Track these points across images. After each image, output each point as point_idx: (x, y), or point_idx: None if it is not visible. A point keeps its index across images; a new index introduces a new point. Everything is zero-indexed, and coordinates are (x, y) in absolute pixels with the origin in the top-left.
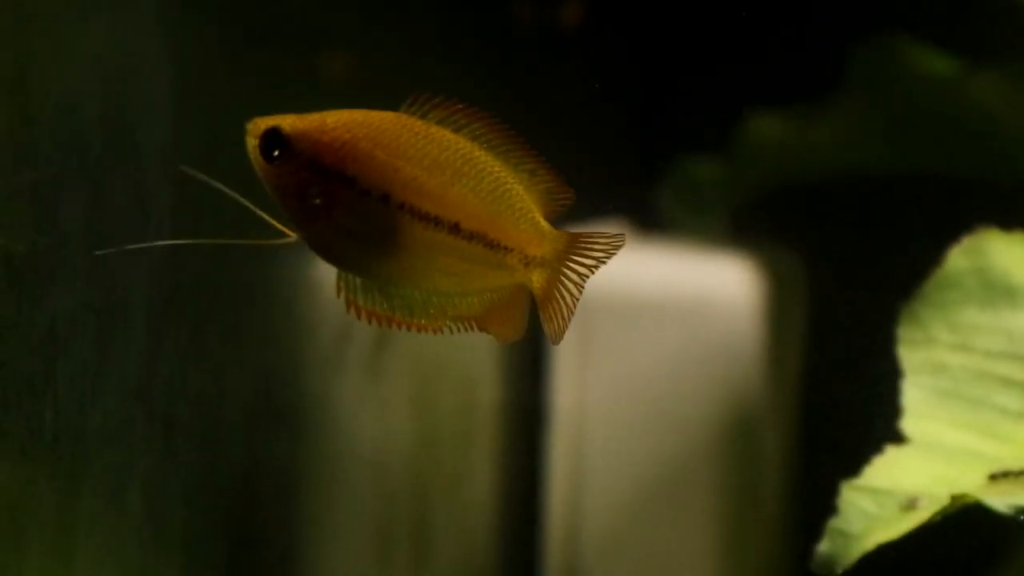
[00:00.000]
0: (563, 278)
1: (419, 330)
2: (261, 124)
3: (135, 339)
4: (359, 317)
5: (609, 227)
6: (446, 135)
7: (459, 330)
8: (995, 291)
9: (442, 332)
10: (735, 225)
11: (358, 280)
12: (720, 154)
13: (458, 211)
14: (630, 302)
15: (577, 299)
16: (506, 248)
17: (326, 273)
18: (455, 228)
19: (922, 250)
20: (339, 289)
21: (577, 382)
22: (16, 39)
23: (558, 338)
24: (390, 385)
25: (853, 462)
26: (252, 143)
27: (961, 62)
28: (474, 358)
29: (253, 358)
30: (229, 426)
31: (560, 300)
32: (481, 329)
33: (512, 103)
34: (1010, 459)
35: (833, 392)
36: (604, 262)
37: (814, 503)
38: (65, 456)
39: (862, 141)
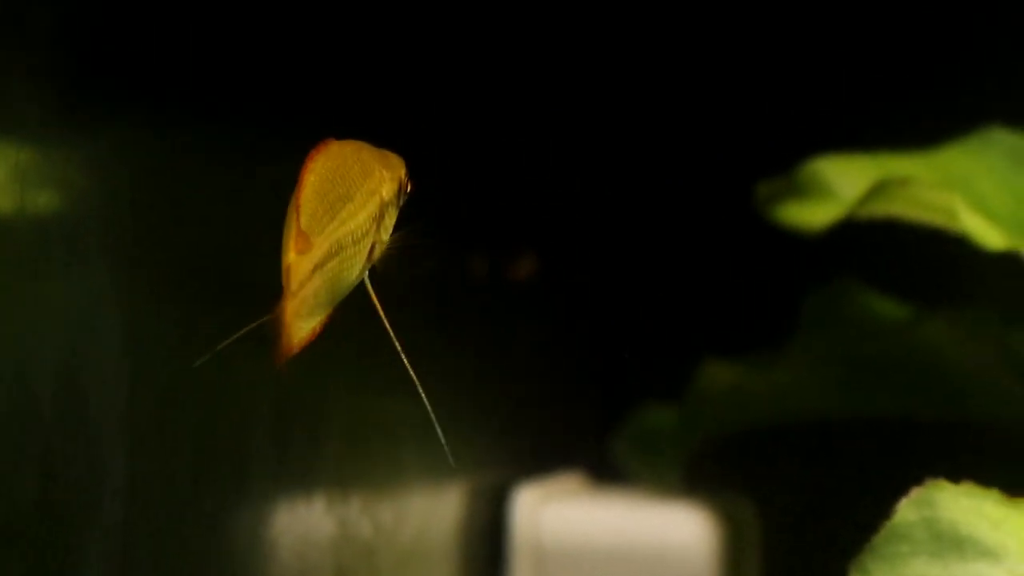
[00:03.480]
0: None
1: None
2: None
3: None
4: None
5: (567, 479)
6: None
7: None
8: (944, 543)
9: None
10: (690, 473)
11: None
12: (675, 403)
13: None
14: (587, 552)
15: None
16: None
17: (280, 536)
18: None
19: (875, 496)
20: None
21: None
22: None
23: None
24: None
25: None
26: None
27: (913, 307)
28: None
29: None
30: None
31: None
32: None
33: (468, 357)
34: None
35: None
36: None
37: None
38: None
39: (816, 386)
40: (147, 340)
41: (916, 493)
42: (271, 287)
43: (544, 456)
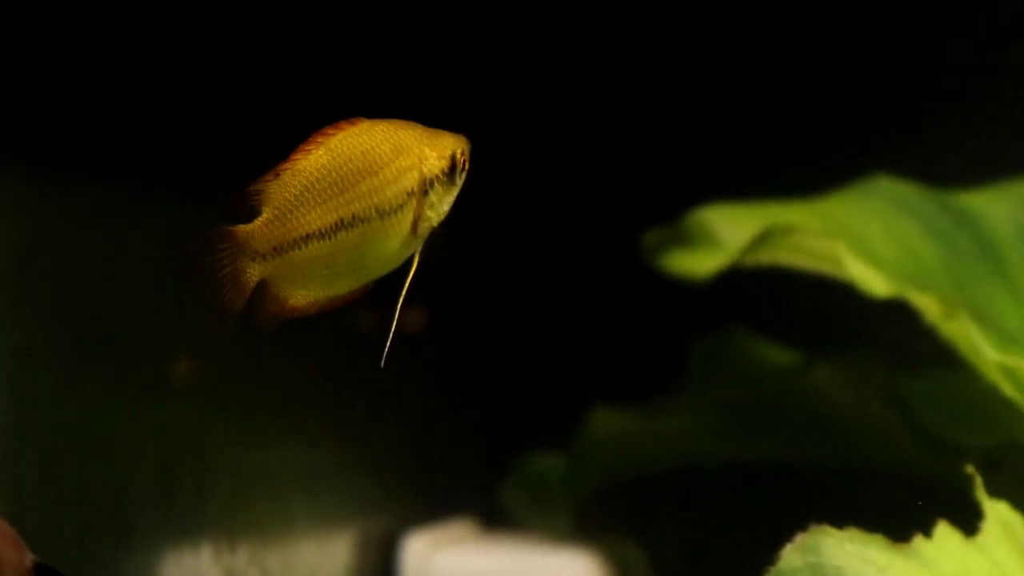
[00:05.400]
0: None
1: None
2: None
3: None
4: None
5: (457, 526)
6: None
7: None
8: None
9: None
10: (580, 519)
11: None
12: (564, 450)
13: None
14: None
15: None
16: None
17: None
18: None
19: (761, 542)
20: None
21: None
22: None
23: None
24: None
25: None
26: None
27: (799, 354)
28: None
29: None
30: None
31: None
32: None
33: (359, 406)
34: None
35: None
36: None
37: None
38: None
39: (704, 433)
40: (30, 395)
41: (801, 539)
42: (154, 342)
43: (434, 503)
